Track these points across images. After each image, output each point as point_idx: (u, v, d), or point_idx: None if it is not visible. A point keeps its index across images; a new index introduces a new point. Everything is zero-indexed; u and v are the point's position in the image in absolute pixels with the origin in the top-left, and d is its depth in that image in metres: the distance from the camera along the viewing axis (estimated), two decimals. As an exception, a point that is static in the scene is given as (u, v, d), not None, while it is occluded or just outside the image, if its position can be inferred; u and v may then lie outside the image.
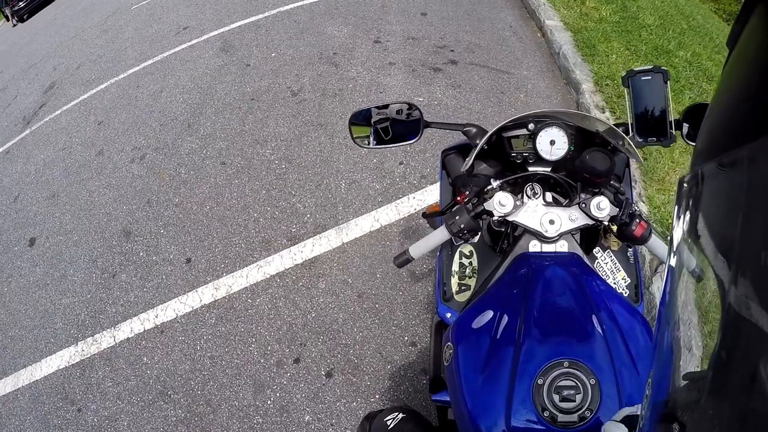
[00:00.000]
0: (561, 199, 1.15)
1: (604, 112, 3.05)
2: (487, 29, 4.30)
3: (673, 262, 0.32)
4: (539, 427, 0.80)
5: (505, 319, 0.94)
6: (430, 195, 2.81)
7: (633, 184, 2.65)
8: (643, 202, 2.54)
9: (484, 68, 3.79)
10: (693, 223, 0.29)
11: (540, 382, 0.82)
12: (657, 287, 2.14)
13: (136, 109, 4.54)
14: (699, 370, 0.26)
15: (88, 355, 2.82)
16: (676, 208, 0.33)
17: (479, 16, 4.52)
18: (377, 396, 2.13)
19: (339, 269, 2.61)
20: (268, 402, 2.26)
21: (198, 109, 4.12)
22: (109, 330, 2.87)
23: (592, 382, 0.80)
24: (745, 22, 0.24)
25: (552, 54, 3.88)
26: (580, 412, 0.79)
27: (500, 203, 1.05)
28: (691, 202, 0.29)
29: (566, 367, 0.82)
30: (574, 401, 0.79)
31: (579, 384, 0.80)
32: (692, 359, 0.28)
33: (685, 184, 0.31)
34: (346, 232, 2.76)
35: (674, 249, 0.32)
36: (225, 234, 3.00)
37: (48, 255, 3.59)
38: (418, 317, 2.34)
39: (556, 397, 0.80)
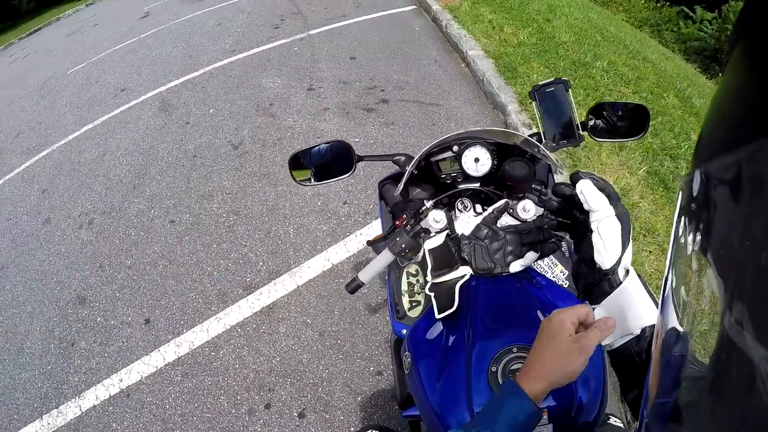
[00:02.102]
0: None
1: (531, 128, 3.16)
2: (414, 66, 4.43)
3: (673, 262, 0.32)
4: None
5: (454, 331, 0.96)
6: (375, 229, 2.85)
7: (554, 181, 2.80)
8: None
9: (414, 103, 3.90)
10: (693, 224, 0.28)
11: (493, 369, 0.85)
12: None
13: (80, 174, 4.34)
14: (699, 370, 0.25)
15: (54, 428, 2.64)
16: (677, 208, 0.32)
17: (405, 54, 4.65)
18: (351, 429, 2.12)
19: (297, 312, 2.59)
20: (243, 451, 2.20)
21: (142, 170, 4.00)
22: (73, 400, 2.70)
23: None
24: (746, 23, 0.23)
25: (477, 82, 4.01)
26: None
27: (435, 219, 1.09)
28: (691, 203, 0.29)
29: (515, 352, 0.85)
30: None
31: None
32: (692, 359, 0.27)
33: (686, 184, 0.30)
34: (299, 275, 2.75)
35: (674, 249, 0.31)
36: (181, 291, 2.92)
37: (2, 329, 3.34)
38: (381, 347, 2.35)
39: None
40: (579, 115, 1.20)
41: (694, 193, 0.28)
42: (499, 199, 1.11)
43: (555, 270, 1.25)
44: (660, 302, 0.34)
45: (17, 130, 5.86)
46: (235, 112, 4.31)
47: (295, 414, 2.22)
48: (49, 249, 3.73)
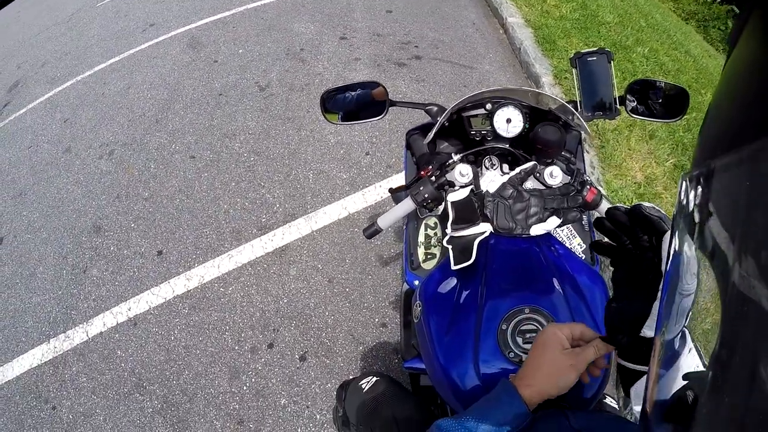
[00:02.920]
0: None
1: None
2: (451, 26, 4.30)
3: (672, 260, 0.32)
4: (507, 367, 0.84)
5: (468, 286, 0.96)
6: (396, 183, 2.79)
7: (592, 169, 2.72)
8: (602, 187, 2.58)
9: (447, 63, 3.79)
10: (692, 223, 0.28)
11: (504, 327, 0.86)
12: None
13: (104, 105, 4.35)
14: (699, 369, 0.26)
15: (61, 352, 2.70)
16: (677, 207, 0.32)
17: (443, 13, 4.52)
18: (351, 376, 2.11)
19: (309, 256, 2.56)
20: (244, 388, 2.21)
21: (166, 105, 3.98)
22: (81, 325, 2.75)
23: None
24: (745, 22, 0.24)
25: (513, 50, 3.91)
26: None
27: (461, 173, 1.10)
28: (692, 201, 0.29)
29: (527, 313, 0.86)
30: None
31: (539, 327, 0.85)
32: (692, 358, 0.27)
33: (687, 183, 0.30)
34: (315, 221, 2.71)
35: (674, 249, 0.32)
36: (196, 225, 2.91)
37: (16, 254, 3.41)
38: (388, 299, 2.32)
39: (519, 340, 0.84)
40: (618, 90, 1.18)
41: (694, 192, 0.28)
42: (527, 161, 1.10)
43: (573, 242, 1.27)
44: (660, 302, 0.35)
45: (43, 59, 5.89)
46: (265, 54, 4.23)
47: (297, 356, 2.22)
48: (67, 177, 3.76)
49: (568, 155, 1.11)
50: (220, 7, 5.29)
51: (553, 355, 0.68)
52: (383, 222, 1.14)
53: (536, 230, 1.00)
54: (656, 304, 0.59)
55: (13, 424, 2.55)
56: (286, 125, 3.40)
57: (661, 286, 0.35)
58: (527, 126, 1.15)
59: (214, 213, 2.94)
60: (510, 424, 0.65)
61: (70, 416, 2.46)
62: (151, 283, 2.72)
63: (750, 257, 0.21)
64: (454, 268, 0.97)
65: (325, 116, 1.29)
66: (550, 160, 1.10)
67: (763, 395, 0.19)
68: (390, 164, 2.95)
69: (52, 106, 4.81)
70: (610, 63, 1.15)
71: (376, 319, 2.27)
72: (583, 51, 1.17)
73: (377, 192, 2.79)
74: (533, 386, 0.68)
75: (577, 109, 1.16)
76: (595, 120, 1.20)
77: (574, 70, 1.18)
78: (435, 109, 1.25)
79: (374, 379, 1.20)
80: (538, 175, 1.08)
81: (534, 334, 0.84)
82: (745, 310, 0.21)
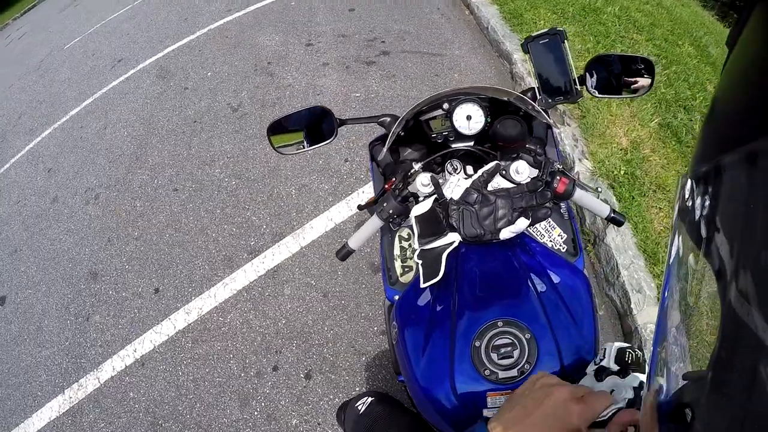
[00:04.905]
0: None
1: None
2: (416, 15, 4.30)
3: (672, 261, 0.32)
4: (483, 386, 0.83)
5: (441, 301, 0.95)
6: (372, 190, 2.83)
7: (575, 142, 2.73)
8: (587, 159, 2.59)
9: (416, 54, 3.81)
10: (693, 223, 0.28)
11: (477, 344, 0.84)
12: (611, 238, 2.21)
13: (83, 150, 4.42)
14: (699, 369, 0.26)
15: (77, 401, 2.80)
16: (676, 207, 0.33)
17: (406, 3, 4.51)
18: (357, 388, 2.17)
19: (301, 273, 2.62)
20: (255, 413, 2.28)
21: (143, 140, 4.05)
22: (92, 372, 2.84)
23: (527, 337, 0.83)
24: (745, 22, 0.24)
25: (481, 29, 3.90)
26: (519, 366, 0.82)
27: (422, 183, 1.07)
28: (691, 202, 0.29)
29: (500, 327, 0.84)
30: (512, 357, 0.82)
31: (515, 340, 0.83)
32: (692, 359, 0.28)
33: (686, 182, 0.31)
34: (302, 237, 2.77)
35: (674, 249, 0.32)
36: (188, 258, 2.98)
37: (20, 310, 3.51)
38: (384, 306, 2.37)
39: (494, 356, 0.83)
40: (577, 69, 1.13)
41: (694, 192, 0.29)
42: (492, 158, 1.07)
43: (552, 233, 1.22)
44: (660, 301, 0.35)
45: (19, 111, 5.98)
46: (233, 74, 4.28)
47: (302, 375, 2.29)
48: (58, 227, 3.85)
49: (533, 147, 1.08)
50: (184, 31, 5.35)
51: (550, 421, 0.59)
52: (354, 242, 1.14)
53: (505, 234, 0.97)
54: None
55: None
56: (263, 143, 3.45)
57: (661, 286, 0.34)
58: (489, 120, 1.12)
59: (203, 243, 3.01)
60: None
61: (94, 464, 2.55)
62: (152, 322, 2.80)
63: (750, 257, 0.21)
64: (422, 286, 0.96)
65: (274, 148, 1.27)
66: (515, 155, 1.06)
67: (763, 396, 0.19)
68: (370, 168, 3.00)
69: (33, 157, 4.90)
70: (564, 42, 1.10)
71: (375, 328, 2.32)
72: (533, 34, 1.12)
73: (360, 198, 2.84)
74: None
75: (535, 98, 1.13)
76: (557, 105, 1.15)
77: (527, 56, 1.14)
78: (388, 119, 1.21)
79: (369, 399, 1.20)
80: (504, 173, 1.04)
81: (509, 348, 0.82)
82: (745, 311, 0.21)
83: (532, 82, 3.12)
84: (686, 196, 0.31)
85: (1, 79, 7.40)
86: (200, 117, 3.95)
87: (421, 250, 1.01)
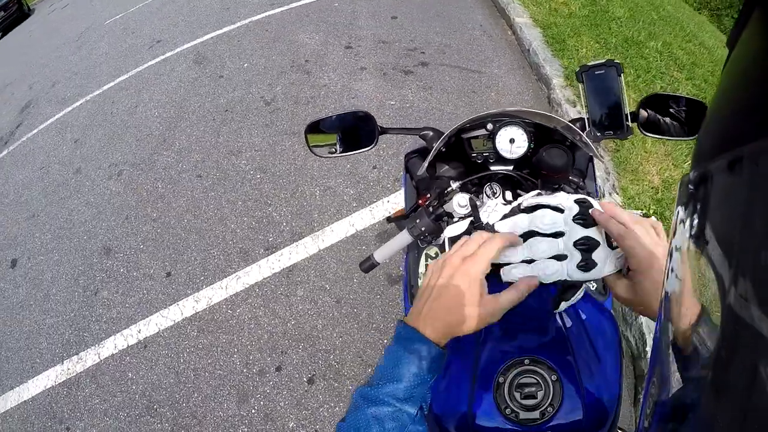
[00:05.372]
0: (523, 195, 1.14)
1: (575, 106, 3.07)
2: (458, 29, 4.31)
3: (672, 261, 0.32)
4: (502, 424, 0.80)
5: None
6: (401, 200, 2.81)
7: (606, 176, 2.70)
8: (617, 194, 2.56)
9: (455, 68, 3.80)
10: (693, 224, 0.29)
11: (501, 380, 0.82)
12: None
13: (112, 125, 4.48)
14: (699, 369, 0.26)
15: (74, 374, 2.80)
16: (676, 207, 0.33)
17: (449, 16, 4.53)
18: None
19: (316, 276, 2.61)
20: (253, 411, 2.26)
21: (173, 123, 4.09)
22: (93, 347, 2.84)
23: (553, 378, 0.80)
24: (745, 23, 0.24)
25: (522, 51, 3.89)
26: (542, 408, 0.79)
27: (459, 204, 1.03)
28: (691, 203, 0.29)
29: (527, 365, 0.81)
30: (536, 398, 0.79)
31: (540, 381, 0.80)
32: (692, 359, 0.27)
33: (686, 184, 0.31)
34: (322, 239, 2.76)
35: (674, 249, 0.32)
36: (203, 246, 2.99)
37: (30, 275, 3.54)
38: (397, 319, 2.34)
39: (517, 395, 0.80)
40: (630, 104, 1.10)
41: (694, 193, 0.29)
42: (533, 186, 1.05)
43: None
44: (660, 301, 0.34)
45: (54, 79, 6.09)
46: (270, 68, 4.31)
47: (305, 379, 2.26)
48: (78, 199, 3.89)
49: (576, 179, 1.06)
50: (225, 21, 5.41)
51: (463, 297, 0.63)
52: (380, 255, 1.10)
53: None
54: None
55: None
56: (292, 140, 3.46)
57: (662, 287, 0.34)
58: (532, 146, 1.09)
59: (221, 233, 3.01)
60: (428, 370, 0.62)
61: (84, 438, 2.55)
62: (160, 305, 2.80)
63: (750, 258, 0.21)
64: None
65: (311, 149, 1.25)
66: (556, 186, 1.04)
67: (763, 395, 0.19)
68: (398, 177, 2.98)
69: (62, 126, 4.97)
70: (620, 76, 1.07)
71: (385, 341, 2.29)
72: (589, 63, 1.10)
73: (385, 207, 2.82)
74: (438, 325, 0.64)
75: (584, 129, 1.10)
76: (605, 139, 1.12)
77: (580, 85, 1.11)
78: (430, 134, 1.19)
79: None
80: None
81: (533, 389, 0.79)
82: (745, 310, 0.21)
83: (570, 108, 3.12)
84: (685, 197, 0.31)
85: (41, 47, 7.55)
86: (232, 106, 3.98)
87: None
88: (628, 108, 1.09)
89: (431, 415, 0.86)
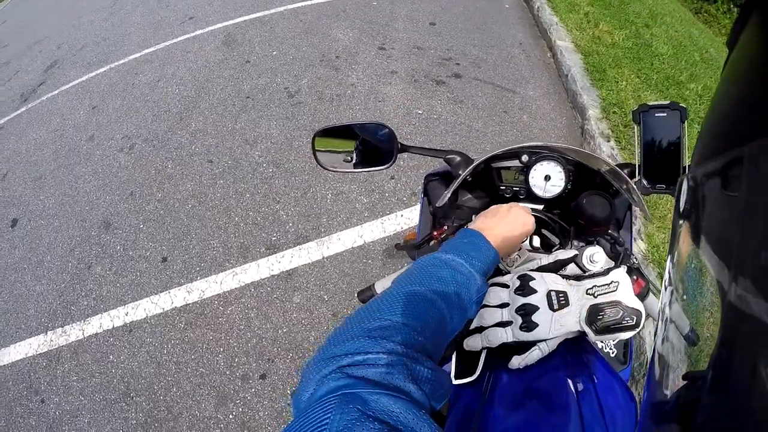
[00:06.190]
0: (551, 239, 1.02)
1: (609, 141, 2.97)
2: (496, 45, 4.22)
3: (672, 261, 0.33)
4: None
5: (466, 395, 0.83)
6: (415, 217, 2.73)
7: (633, 220, 2.58)
8: (642, 240, 2.45)
9: (489, 85, 3.72)
10: (693, 223, 0.29)
11: None
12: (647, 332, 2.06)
13: (132, 96, 4.46)
14: (699, 369, 0.26)
15: (56, 346, 2.76)
16: (676, 207, 0.33)
17: (489, 30, 4.44)
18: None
19: (316, 285, 2.53)
20: (230, 416, 2.19)
21: (192, 103, 4.05)
22: (78, 323, 2.80)
23: None
24: (745, 23, 0.25)
25: (560, 75, 3.80)
26: None
27: None
28: (691, 202, 0.30)
29: None
30: None
31: None
32: (692, 358, 0.28)
33: (687, 183, 0.31)
34: (327, 246, 2.68)
35: (674, 249, 0.33)
36: (204, 236, 2.93)
37: (28, 238, 3.52)
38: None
39: None
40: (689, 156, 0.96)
41: (695, 192, 0.29)
42: (564, 232, 0.97)
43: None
44: (661, 301, 0.35)
45: (82, 43, 6.10)
46: (299, 59, 4.26)
47: (289, 391, 2.20)
48: (86, 167, 3.86)
49: (615, 234, 0.94)
50: (260, 5, 5.37)
51: (515, 211, 0.85)
52: (382, 287, 1.02)
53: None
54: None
55: (3, 409, 2.64)
56: (311, 137, 3.37)
57: (662, 287, 0.34)
58: (569, 187, 1.01)
59: (224, 224, 2.95)
60: (487, 264, 0.75)
61: (57, 412, 2.51)
62: (151, 291, 2.75)
63: (750, 257, 0.21)
64: (454, 382, 0.83)
65: (316, 159, 1.12)
66: (592, 239, 0.94)
67: (763, 395, 0.19)
68: (415, 191, 2.90)
69: (83, 91, 4.97)
70: (683, 123, 0.93)
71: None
72: (650, 103, 0.96)
73: (398, 222, 2.74)
74: (498, 237, 0.80)
75: (633, 177, 0.96)
76: (655, 194, 0.97)
77: (636, 127, 0.97)
78: (457, 159, 1.08)
79: None
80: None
81: None
82: (745, 310, 0.21)
83: (604, 143, 3.02)
84: (686, 196, 0.31)
85: (74, 9, 7.59)
86: (254, 94, 3.93)
87: (459, 333, 0.89)
88: (688, 160, 0.94)
89: None
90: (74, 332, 2.77)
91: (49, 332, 2.85)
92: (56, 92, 5.21)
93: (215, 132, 3.66)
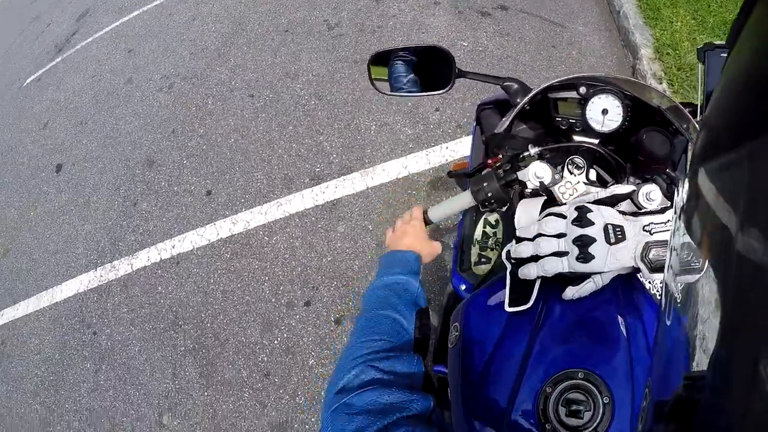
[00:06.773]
0: (606, 177, 1.01)
1: (661, 83, 2.78)
2: (545, -25, 3.98)
3: (673, 261, 0.33)
4: None
5: (518, 325, 0.84)
6: (465, 147, 2.65)
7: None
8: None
9: (536, 18, 3.52)
10: (693, 221, 0.29)
11: (548, 390, 0.72)
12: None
13: (167, 37, 4.45)
14: (699, 369, 0.26)
15: (106, 281, 2.86)
16: (677, 207, 0.34)
17: (538, -41, 4.19)
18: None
19: (360, 214, 2.51)
20: (275, 342, 2.23)
21: (229, 39, 4.00)
22: (127, 258, 2.88)
23: (605, 401, 0.70)
24: (746, 20, 0.25)
25: (612, 11, 3.55)
26: (587, 431, 0.69)
27: (536, 174, 0.93)
28: (691, 202, 0.30)
29: (580, 378, 0.72)
30: (582, 418, 0.69)
31: (591, 400, 0.70)
32: (692, 358, 0.28)
33: (687, 182, 0.31)
34: (371, 177, 2.64)
35: (674, 249, 0.33)
36: (247, 168, 2.93)
37: (73, 181, 3.62)
38: (436, 274, 2.22)
39: (563, 411, 0.71)
40: None
41: (695, 191, 0.29)
42: (620, 169, 0.96)
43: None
44: (661, 301, 0.35)
45: (114, -12, 6.11)
46: (337, -9, 4.13)
47: (332, 319, 2.22)
48: (127, 108, 3.91)
49: (672, 173, 0.93)
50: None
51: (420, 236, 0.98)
52: (434, 215, 1.02)
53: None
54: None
55: (58, 343, 2.78)
56: (353, 69, 3.31)
57: (662, 287, 0.34)
58: (627, 122, 0.98)
59: (267, 157, 2.94)
60: (408, 265, 0.91)
61: (109, 343, 2.62)
62: (197, 223, 2.79)
63: (749, 258, 0.21)
64: (508, 310, 0.85)
65: (373, 84, 1.13)
66: (650, 176, 0.92)
67: (763, 395, 0.19)
68: (461, 124, 2.80)
69: (117, 35, 5.00)
70: None
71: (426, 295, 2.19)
72: (716, 42, 0.97)
73: (442, 154, 2.66)
74: (402, 245, 0.96)
75: (695, 116, 0.96)
76: None
77: (700, 66, 0.98)
78: (515, 86, 1.06)
79: None
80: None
81: (581, 407, 0.70)
82: (744, 310, 0.21)
83: (656, 85, 2.83)
84: (686, 195, 0.31)
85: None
86: (293, 27, 3.85)
87: (515, 263, 0.87)
88: None
89: (459, 413, 0.81)
90: (123, 267, 2.86)
91: (98, 268, 2.96)
92: (90, 39, 5.26)
93: (255, 67, 3.61)
